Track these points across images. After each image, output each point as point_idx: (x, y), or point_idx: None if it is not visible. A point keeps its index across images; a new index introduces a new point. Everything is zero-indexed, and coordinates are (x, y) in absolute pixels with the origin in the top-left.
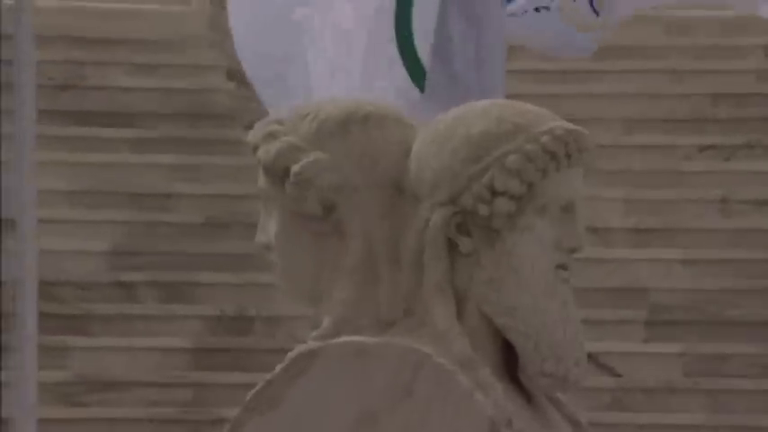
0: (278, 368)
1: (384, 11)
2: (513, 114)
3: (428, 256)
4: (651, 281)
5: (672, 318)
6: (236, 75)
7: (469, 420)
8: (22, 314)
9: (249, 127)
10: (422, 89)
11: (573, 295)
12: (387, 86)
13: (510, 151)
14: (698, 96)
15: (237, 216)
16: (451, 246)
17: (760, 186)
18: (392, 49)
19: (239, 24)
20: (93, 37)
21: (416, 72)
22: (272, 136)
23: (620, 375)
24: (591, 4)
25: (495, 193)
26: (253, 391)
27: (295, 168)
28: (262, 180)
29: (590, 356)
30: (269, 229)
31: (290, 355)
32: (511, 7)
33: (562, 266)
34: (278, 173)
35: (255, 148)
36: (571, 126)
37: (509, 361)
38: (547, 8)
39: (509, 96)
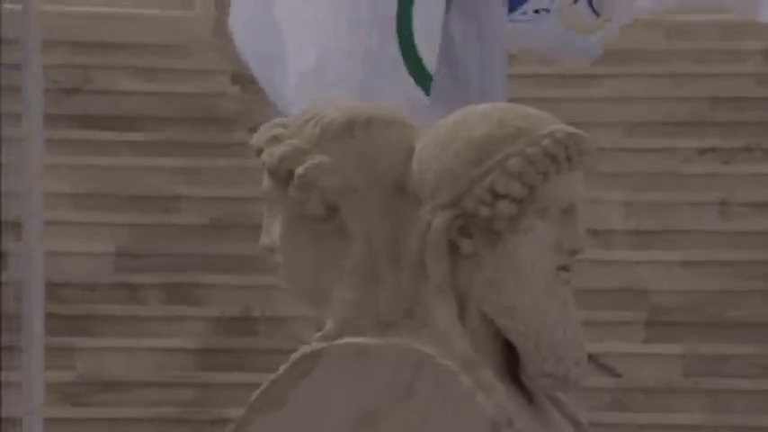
0: (282, 369)
1: (386, 11)
2: (514, 118)
3: (429, 257)
4: (651, 282)
5: (672, 319)
6: (240, 78)
7: (470, 421)
8: (28, 315)
9: (253, 130)
10: (427, 92)
11: (573, 296)
12: (388, 87)
13: (511, 154)
14: (697, 100)
15: (241, 218)
16: (453, 247)
17: (759, 189)
18: (394, 50)
19: (240, 24)
20: (98, 41)
21: (419, 74)
22: (275, 139)
23: (620, 376)
24: (590, 5)
25: (496, 195)
26: (257, 392)
27: (299, 171)
28: (266, 183)
29: (590, 357)
30: (273, 231)
31: (294, 356)
32: (513, 15)
33: (563, 268)
34: (282, 175)
35: (259, 151)
36: (571, 129)
37: (510, 361)
38: (547, 10)
39: (510, 100)
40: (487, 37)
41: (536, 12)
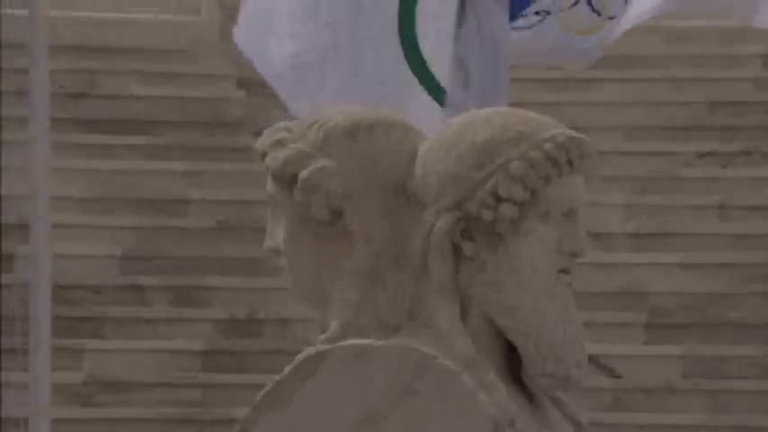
0: (287, 370)
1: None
2: (516, 122)
3: (432, 259)
4: (651, 284)
5: (671, 320)
6: (245, 83)
7: (472, 420)
8: (35, 317)
9: (258, 134)
10: (441, 104)
11: (574, 298)
12: (396, 89)
13: (513, 158)
14: (697, 104)
15: (246, 221)
16: (456, 250)
17: (757, 192)
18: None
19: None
20: (104, 46)
21: (422, 74)
22: (280, 143)
23: (620, 377)
24: (590, 4)
25: (498, 198)
26: (262, 392)
27: (303, 175)
28: (270, 186)
29: (590, 358)
30: (277, 234)
31: (299, 357)
32: (515, 23)
33: (564, 271)
34: (286, 179)
35: (264, 155)
36: (573, 133)
37: (511, 362)
38: (547, 12)
39: (512, 104)
40: (488, 37)
41: (537, 14)
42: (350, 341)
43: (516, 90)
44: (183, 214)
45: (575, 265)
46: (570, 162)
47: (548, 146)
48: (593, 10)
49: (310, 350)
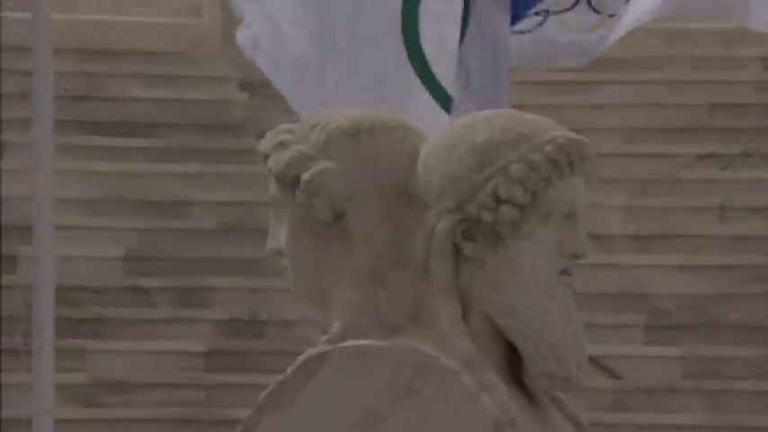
0: (289, 371)
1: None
2: (516, 123)
3: (434, 260)
4: (651, 285)
5: (671, 321)
6: (248, 85)
7: (472, 421)
8: (39, 318)
9: (261, 136)
10: (448, 111)
11: (574, 299)
12: (399, 92)
13: (513, 160)
14: (696, 106)
15: (249, 223)
16: (457, 250)
17: (757, 194)
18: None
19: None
20: (107, 49)
21: (424, 74)
22: (282, 145)
23: (621, 378)
24: (589, 4)
25: (499, 200)
26: (265, 393)
27: (305, 176)
28: (272, 188)
29: (591, 359)
30: (279, 235)
31: (301, 358)
32: (517, 26)
33: (564, 272)
34: (288, 181)
35: (266, 157)
36: (573, 135)
37: (512, 362)
38: (547, 11)
39: (512, 107)
40: (488, 38)
41: (537, 14)
42: (351, 341)
43: (516, 92)
44: (186, 216)
45: (575, 267)
46: (570, 164)
47: (548, 148)
48: (594, 9)
49: (312, 351)
